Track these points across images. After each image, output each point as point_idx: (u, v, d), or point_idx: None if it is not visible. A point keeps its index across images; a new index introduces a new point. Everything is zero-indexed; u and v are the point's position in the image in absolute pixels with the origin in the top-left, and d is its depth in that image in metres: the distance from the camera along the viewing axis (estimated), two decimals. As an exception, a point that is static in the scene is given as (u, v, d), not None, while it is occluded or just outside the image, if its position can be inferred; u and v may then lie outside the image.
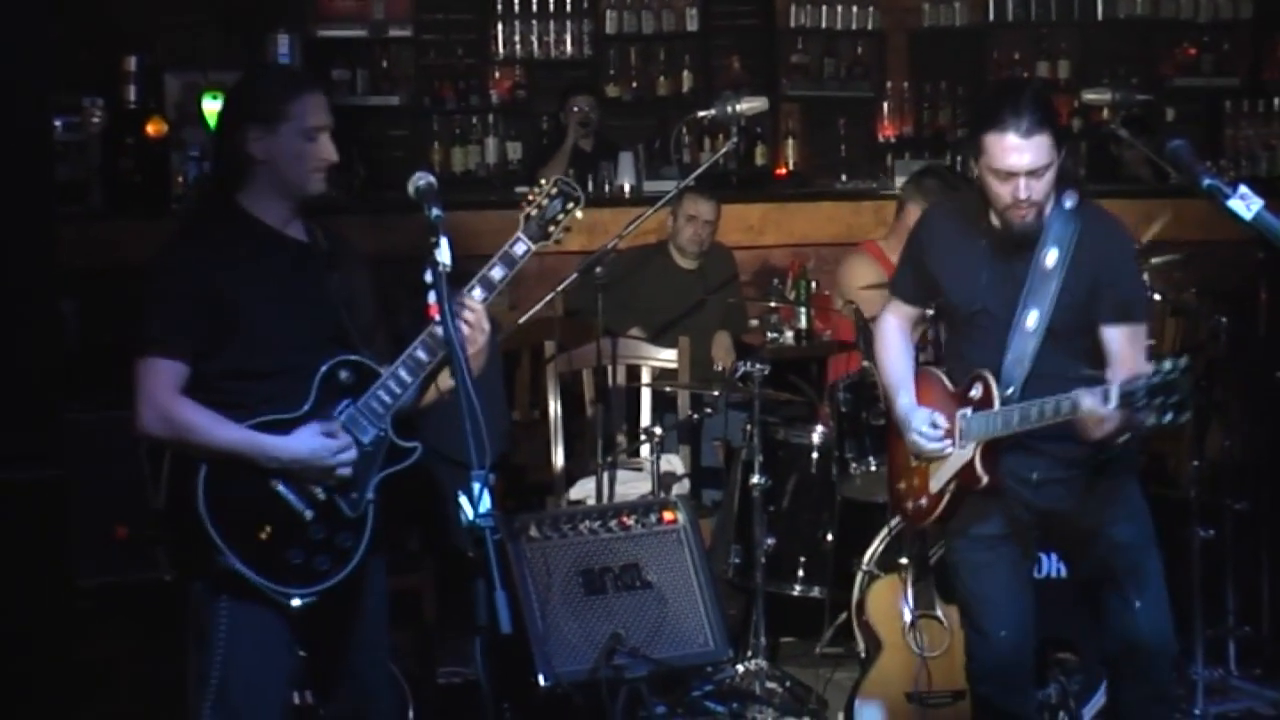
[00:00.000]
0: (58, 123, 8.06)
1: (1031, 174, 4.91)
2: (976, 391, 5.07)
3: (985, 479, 5.05)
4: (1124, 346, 5.03)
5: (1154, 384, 4.54)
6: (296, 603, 4.50)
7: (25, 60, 5.75)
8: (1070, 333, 5.06)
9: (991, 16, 11.76)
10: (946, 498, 5.15)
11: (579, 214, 4.78)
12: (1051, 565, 6.26)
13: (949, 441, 5.11)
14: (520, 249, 4.70)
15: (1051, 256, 5.02)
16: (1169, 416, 4.55)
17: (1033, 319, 5.01)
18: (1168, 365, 4.54)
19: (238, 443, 4.47)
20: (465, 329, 4.58)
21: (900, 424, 5.25)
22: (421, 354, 4.62)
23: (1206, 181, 4.81)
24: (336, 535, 4.58)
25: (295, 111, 4.60)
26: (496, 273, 4.66)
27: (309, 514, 4.54)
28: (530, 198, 4.75)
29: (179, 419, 4.45)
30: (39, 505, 5.51)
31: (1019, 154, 4.89)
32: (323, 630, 4.68)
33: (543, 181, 4.77)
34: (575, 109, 10.46)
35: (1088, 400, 4.73)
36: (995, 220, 5.08)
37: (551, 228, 4.74)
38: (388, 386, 4.62)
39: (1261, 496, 7.03)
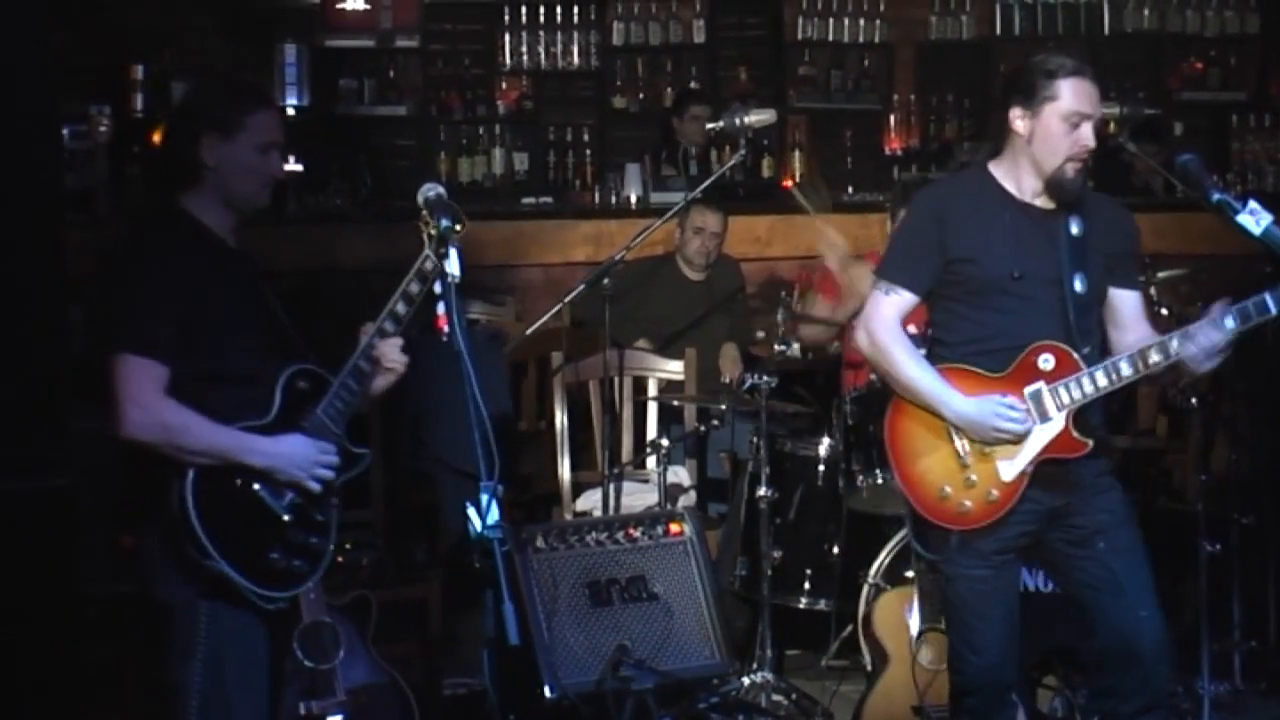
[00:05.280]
0: (65, 131, 8.05)
1: (1092, 122, 5.07)
2: (1046, 363, 5.04)
3: (1090, 442, 5.04)
4: (1138, 310, 5.20)
5: None
6: (272, 606, 4.53)
7: (33, 68, 5.74)
8: (1097, 301, 5.15)
9: (998, 29, 11.76)
10: (1026, 481, 5.07)
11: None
12: (1038, 579, 6.32)
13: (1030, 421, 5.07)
14: (430, 264, 4.59)
15: (1075, 226, 5.09)
16: None
17: (1079, 283, 5.05)
18: None
19: (227, 444, 4.47)
20: (395, 365, 4.76)
21: (965, 421, 5.09)
22: (364, 363, 4.68)
23: (1216, 196, 4.84)
24: (310, 537, 4.61)
25: (252, 124, 4.61)
26: (414, 287, 4.63)
27: (287, 516, 4.55)
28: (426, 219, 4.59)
29: (171, 420, 4.42)
30: (48, 512, 5.50)
31: (1093, 101, 5.05)
32: (280, 631, 4.78)
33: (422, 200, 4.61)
34: (693, 117, 10.60)
35: (1204, 337, 4.88)
36: (1030, 185, 5.16)
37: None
38: (340, 395, 4.67)
39: (1268, 510, 7.02)
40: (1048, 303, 5.07)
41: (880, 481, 6.81)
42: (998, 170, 5.23)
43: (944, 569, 5.31)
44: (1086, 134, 5.06)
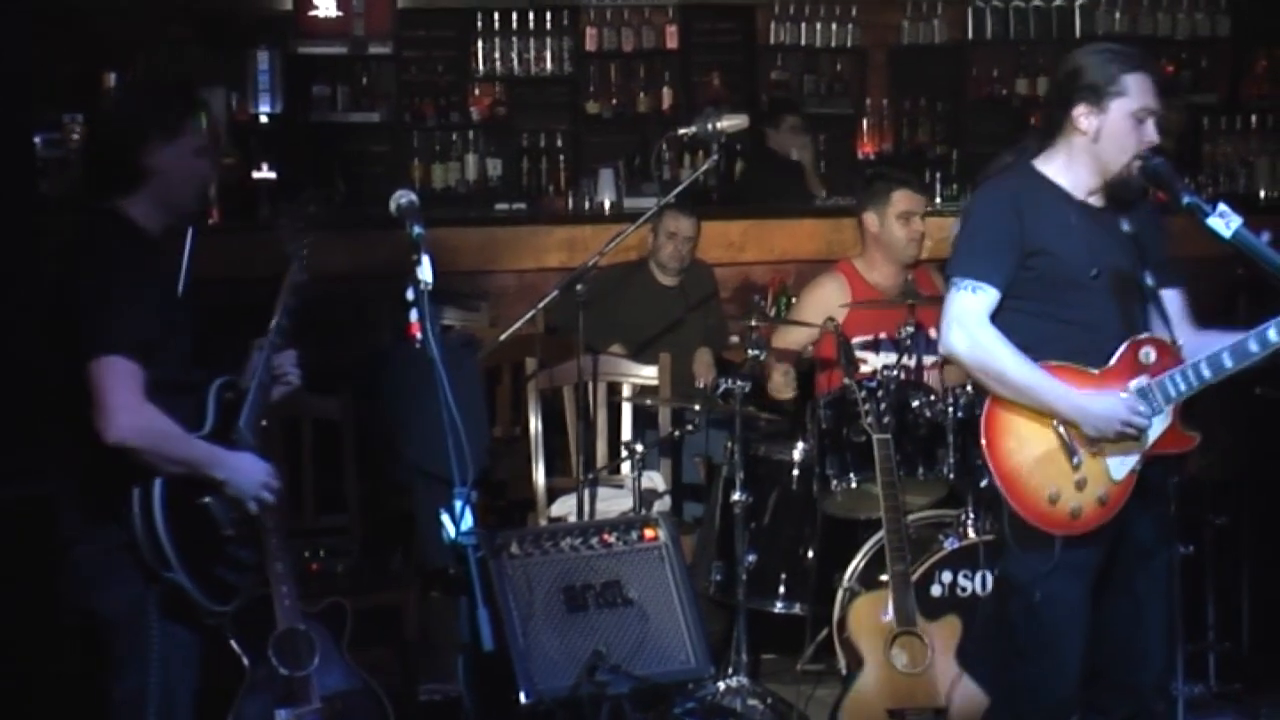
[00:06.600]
0: (37, 139, 8.03)
1: (1156, 116, 4.97)
2: (1148, 356, 4.92)
3: (1197, 435, 4.96)
4: (1183, 308, 5.07)
5: None
6: (214, 621, 4.54)
7: (5, 76, 5.73)
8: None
9: (971, 34, 11.80)
10: (1134, 481, 4.94)
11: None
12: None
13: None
14: (299, 278, 4.95)
15: (1126, 224, 4.94)
16: None
17: (1149, 279, 4.93)
18: None
19: (200, 455, 4.47)
20: (292, 378, 4.87)
21: (1090, 417, 4.89)
22: (265, 378, 4.72)
23: (1187, 199, 4.84)
24: (241, 551, 4.61)
25: (195, 127, 4.60)
26: (291, 300, 4.85)
27: (230, 531, 4.55)
28: (283, 235, 5.03)
29: (159, 426, 4.37)
30: (27, 521, 5.49)
31: (1156, 94, 4.95)
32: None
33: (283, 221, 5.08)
34: (790, 128, 10.87)
35: None
36: (1087, 184, 5.04)
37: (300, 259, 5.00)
38: (253, 407, 4.67)
39: (1241, 512, 7.03)
40: (1128, 299, 4.97)
41: (854, 485, 6.82)
42: (1048, 169, 5.08)
43: (1038, 591, 5.02)
44: (1151, 130, 4.96)
